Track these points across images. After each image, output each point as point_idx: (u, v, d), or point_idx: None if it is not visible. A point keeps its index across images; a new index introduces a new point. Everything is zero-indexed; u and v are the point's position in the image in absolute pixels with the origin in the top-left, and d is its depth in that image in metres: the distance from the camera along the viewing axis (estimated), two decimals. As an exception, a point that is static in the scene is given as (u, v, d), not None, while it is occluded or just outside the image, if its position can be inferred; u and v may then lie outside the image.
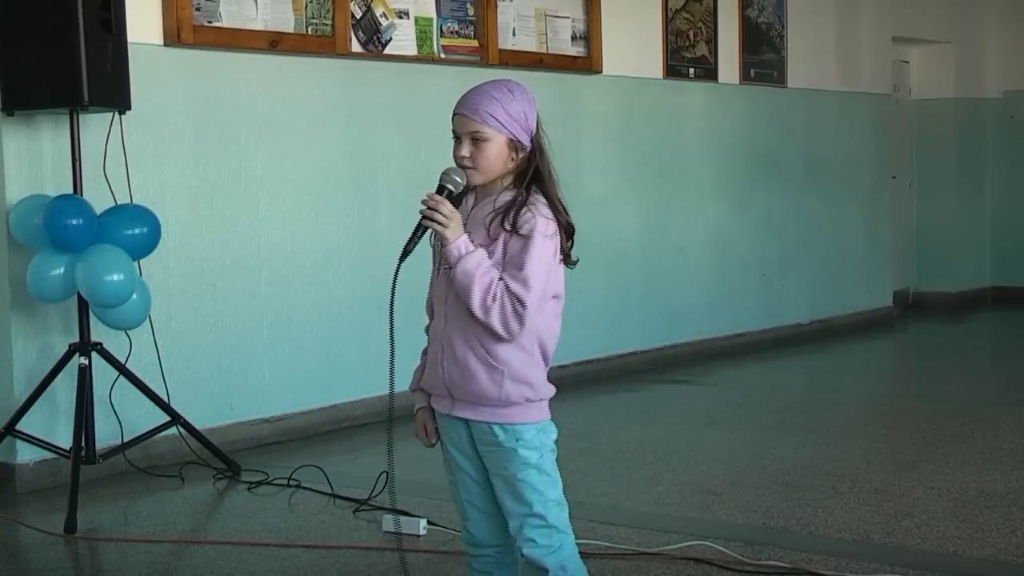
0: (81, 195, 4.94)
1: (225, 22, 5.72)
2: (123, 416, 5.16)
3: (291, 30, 5.97)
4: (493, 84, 2.77)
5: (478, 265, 2.66)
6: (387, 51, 6.40)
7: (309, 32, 6.05)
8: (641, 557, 3.97)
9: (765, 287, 8.93)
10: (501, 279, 2.66)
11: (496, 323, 2.66)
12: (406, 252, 2.73)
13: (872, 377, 8.24)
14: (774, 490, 4.84)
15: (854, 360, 8.70)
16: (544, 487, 2.75)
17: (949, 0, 11.00)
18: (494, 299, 2.65)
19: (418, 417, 2.91)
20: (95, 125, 5.13)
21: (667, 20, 8.06)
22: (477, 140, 2.72)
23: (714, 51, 8.45)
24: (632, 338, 7.85)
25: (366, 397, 6.26)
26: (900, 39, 10.49)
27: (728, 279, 8.61)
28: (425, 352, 2.88)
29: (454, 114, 2.77)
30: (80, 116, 4.94)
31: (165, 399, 5.21)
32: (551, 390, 2.80)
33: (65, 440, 4.98)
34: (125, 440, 5.12)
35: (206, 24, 5.64)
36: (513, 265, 2.67)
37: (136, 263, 4.98)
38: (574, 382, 6.93)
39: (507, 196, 2.74)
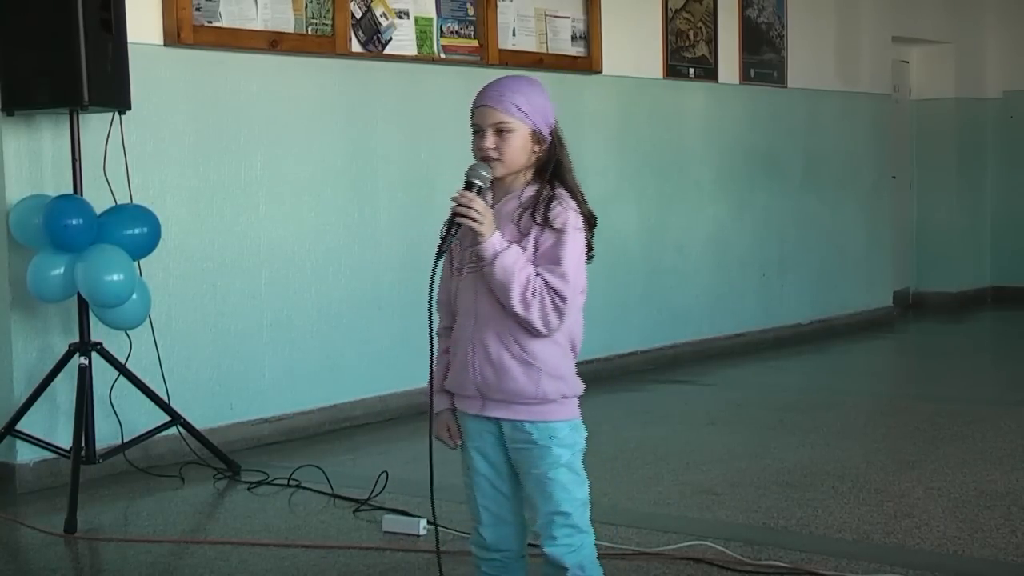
0: (81, 195, 4.94)
1: (225, 22, 5.72)
2: (123, 416, 5.16)
3: (291, 30, 5.97)
4: (512, 77, 2.79)
5: (515, 260, 2.64)
6: (387, 51, 6.40)
7: (309, 32, 6.05)
8: (641, 557, 3.97)
9: (765, 287, 8.93)
10: (538, 274, 2.65)
11: (536, 318, 2.65)
12: (440, 252, 2.72)
13: (872, 377, 8.23)
14: (774, 490, 4.84)
15: (854, 360, 8.70)
16: (573, 486, 2.75)
17: (949, 0, 11.00)
18: (534, 294, 2.64)
19: (441, 418, 2.86)
20: (95, 125, 5.13)
21: (667, 20, 8.06)
22: (501, 131, 2.70)
23: (714, 51, 8.45)
24: (632, 338, 7.85)
25: (366, 397, 6.26)
26: (900, 39, 10.49)
27: (728, 279, 8.61)
28: (446, 353, 2.84)
29: (475, 107, 2.75)
30: (80, 116, 4.94)
31: (165, 399, 5.21)
32: (582, 386, 2.81)
33: (65, 440, 4.98)
34: (125, 440, 5.12)
35: (206, 24, 5.64)
36: (548, 259, 2.66)
37: (136, 263, 4.98)
38: (574, 382, 6.93)
39: (531, 190, 2.74)
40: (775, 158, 9.04)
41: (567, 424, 2.76)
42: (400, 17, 6.46)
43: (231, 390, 5.77)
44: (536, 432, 2.72)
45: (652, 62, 8.00)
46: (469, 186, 2.69)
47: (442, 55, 6.64)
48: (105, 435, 5.07)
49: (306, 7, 6.03)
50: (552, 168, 2.76)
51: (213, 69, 5.70)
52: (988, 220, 11.59)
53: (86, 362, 4.89)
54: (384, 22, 6.38)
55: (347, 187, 6.27)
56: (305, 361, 6.06)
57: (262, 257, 5.90)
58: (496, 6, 6.88)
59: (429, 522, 4.31)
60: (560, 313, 2.66)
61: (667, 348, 8.09)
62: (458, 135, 6.66)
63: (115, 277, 4.78)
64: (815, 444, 5.67)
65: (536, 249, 2.68)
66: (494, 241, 2.65)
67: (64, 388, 5.06)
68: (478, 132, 2.74)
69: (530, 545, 2.89)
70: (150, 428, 5.18)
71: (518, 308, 2.64)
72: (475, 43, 6.79)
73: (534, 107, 2.73)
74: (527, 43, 7.12)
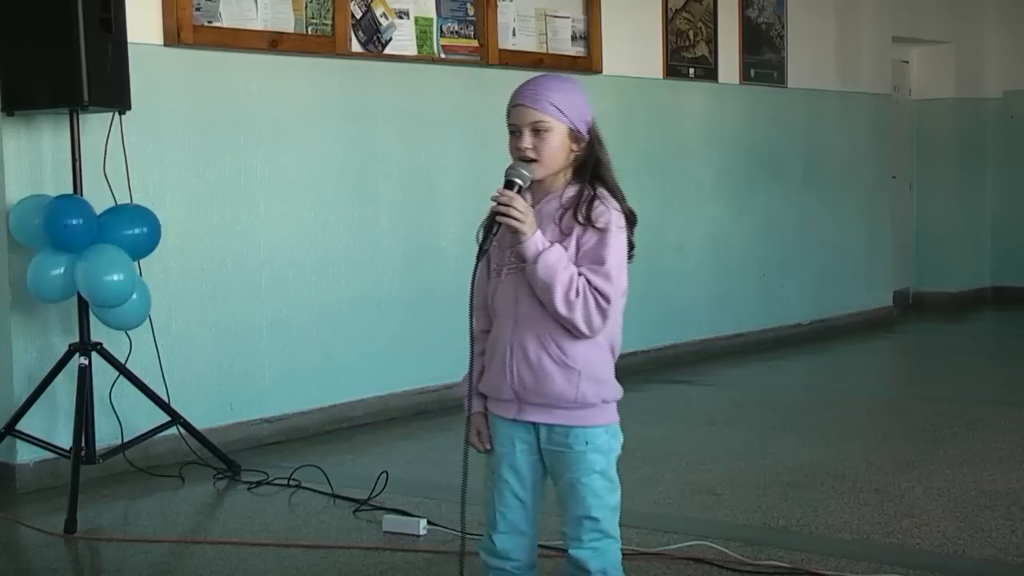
0: (81, 195, 4.94)
1: (225, 22, 5.72)
2: (123, 416, 5.16)
3: (291, 30, 5.97)
4: (548, 76, 2.76)
5: (559, 260, 2.60)
6: (387, 51, 6.40)
7: (309, 32, 6.05)
8: (641, 557, 3.96)
9: (765, 287, 8.93)
10: (580, 274, 2.62)
11: (579, 318, 2.61)
12: (482, 251, 2.68)
13: (872, 377, 8.23)
14: (774, 490, 4.84)
15: (854, 360, 8.70)
16: (605, 492, 2.71)
17: (949, 0, 11.00)
18: (577, 294, 2.60)
19: (473, 421, 2.81)
20: (95, 125, 5.13)
21: (667, 20, 8.06)
22: (539, 131, 2.67)
23: (714, 51, 8.45)
24: (632, 338, 7.79)
25: (366, 397, 6.26)
26: (900, 39, 10.49)
27: (728, 279, 8.61)
28: (481, 355, 2.79)
29: (511, 107, 2.70)
30: (80, 116, 4.94)
31: (165, 399, 5.21)
32: (620, 390, 2.76)
33: (65, 440, 4.98)
34: (125, 440, 5.12)
35: (206, 24, 5.64)
36: (592, 259, 2.63)
37: (136, 263, 4.98)
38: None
39: (572, 190, 2.70)
40: (775, 158, 9.04)
41: (604, 429, 2.71)
42: (400, 17, 6.46)
43: (231, 390, 5.77)
44: (572, 437, 2.68)
45: (652, 62, 8.00)
46: (509, 185, 2.64)
47: (442, 55, 6.63)
48: (105, 435, 5.07)
49: (306, 7, 6.03)
50: (591, 167, 2.72)
51: (213, 69, 5.70)
52: (988, 220, 11.59)
53: (86, 362, 4.89)
54: (384, 22, 6.38)
55: (347, 187, 6.27)
56: (305, 361, 6.06)
57: (262, 257, 5.90)
58: (496, 6, 6.88)
59: (430, 522, 4.31)
60: (604, 314, 2.62)
61: (667, 348, 8.09)
62: (458, 135, 6.70)
63: (115, 277, 4.78)
64: (815, 444, 5.67)
65: (578, 249, 2.65)
66: (536, 240, 2.61)
67: (64, 388, 5.06)
68: (515, 132, 2.69)
69: (541, 546, 2.87)
70: (150, 428, 5.18)
71: (561, 308, 2.60)
72: (475, 43, 6.79)
73: (571, 105, 2.69)
74: (527, 43, 7.12)
